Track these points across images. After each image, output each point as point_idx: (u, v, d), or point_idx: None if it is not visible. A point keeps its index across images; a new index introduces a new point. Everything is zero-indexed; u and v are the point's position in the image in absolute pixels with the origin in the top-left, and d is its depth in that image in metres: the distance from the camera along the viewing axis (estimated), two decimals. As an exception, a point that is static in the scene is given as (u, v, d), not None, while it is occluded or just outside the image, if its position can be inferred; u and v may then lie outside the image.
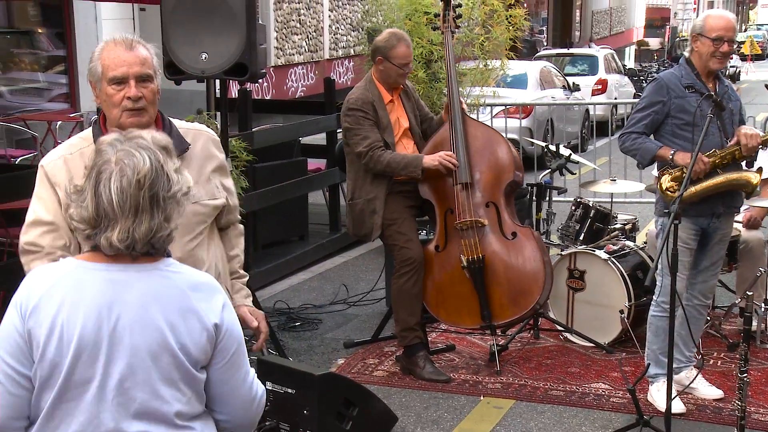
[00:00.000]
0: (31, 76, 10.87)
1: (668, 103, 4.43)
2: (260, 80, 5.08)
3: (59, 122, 9.67)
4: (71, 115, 10.03)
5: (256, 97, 11.45)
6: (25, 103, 10.52)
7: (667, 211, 4.09)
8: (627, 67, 22.48)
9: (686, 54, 4.59)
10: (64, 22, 10.72)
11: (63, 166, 2.63)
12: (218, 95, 5.28)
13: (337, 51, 16.34)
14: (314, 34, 15.57)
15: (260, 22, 4.70)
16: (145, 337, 1.98)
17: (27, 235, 2.64)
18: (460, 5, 5.68)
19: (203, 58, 4.56)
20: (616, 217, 6.03)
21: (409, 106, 5.16)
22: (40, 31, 11.12)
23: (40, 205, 2.64)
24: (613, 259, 5.43)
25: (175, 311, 2.01)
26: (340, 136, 6.36)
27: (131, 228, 1.96)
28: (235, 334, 2.09)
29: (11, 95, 10.51)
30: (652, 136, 4.53)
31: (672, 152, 4.38)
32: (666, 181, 4.43)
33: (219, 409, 2.12)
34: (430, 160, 4.94)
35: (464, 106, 5.18)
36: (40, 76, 10.92)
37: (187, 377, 2.02)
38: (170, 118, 2.76)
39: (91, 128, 2.70)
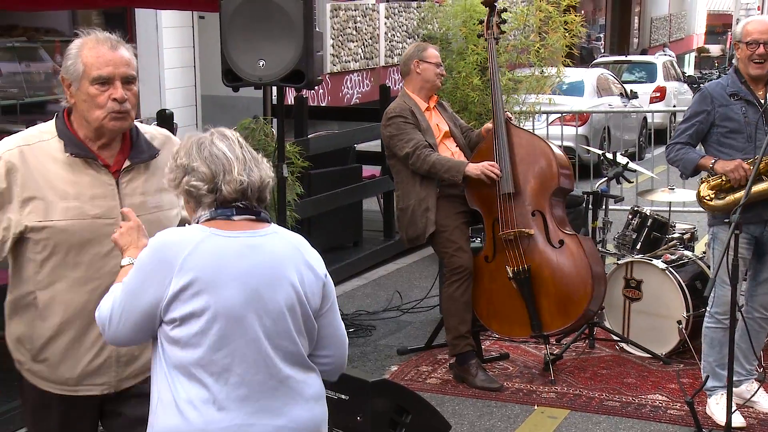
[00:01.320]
0: (93, 83, 11.09)
1: (712, 112, 4.42)
2: (316, 87, 5.12)
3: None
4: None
5: (311, 104, 11.53)
6: (87, 109, 10.74)
7: (726, 220, 4.03)
8: (687, 75, 22.13)
9: (734, 62, 4.57)
10: (126, 30, 10.93)
11: (19, 156, 2.51)
12: (275, 102, 5.33)
13: (392, 58, 16.38)
14: (370, 41, 15.64)
15: (317, 29, 4.74)
16: (283, 293, 2.23)
17: None
18: (505, 10, 5.66)
19: (261, 65, 4.61)
20: (674, 227, 5.94)
21: (446, 115, 5.22)
22: (102, 39, 11.35)
23: None
24: (671, 269, 5.35)
25: (299, 267, 2.28)
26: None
27: (245, 172, 2.23)
28: (332, 284, 2.39)
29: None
30: (700, 146, 4.52)
31: (713, 161, 4.37)
32: (704, 189, 4.41)
33: (325, 352, 2.38)
34: (473, 168, 4.94)
35: (508, 115, 5.17)
36: (102, 83, 11.15)
37: (309, 325, 2.30)
38: (137, 124, 2.70)
39: (53, 121, 2.60)
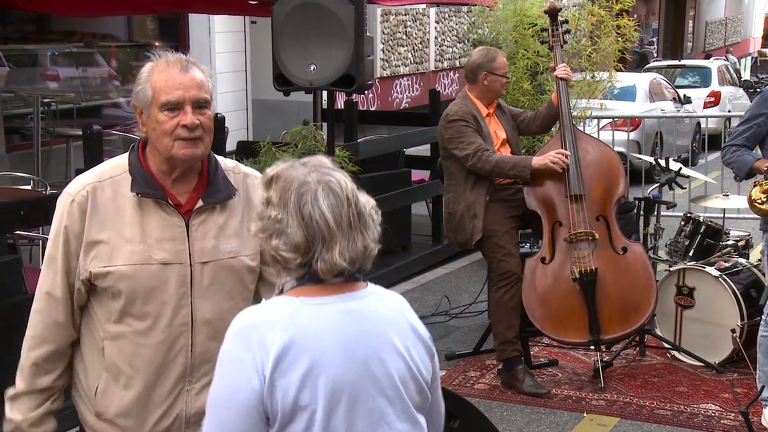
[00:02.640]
0: (147, 87, 11.28)
1: None
2: (366, 91, 5.15)
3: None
4: (184, 125, 10.36)
5: (361, 108, 11.59)
6: (142, 114, 10.93)
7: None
8: (743, 79, 21.74)
9: None
10: (180, 35, 11.10)
11: (91, 197, 2.31)
12: (325, 106, 5.37)
13: (442, 63, 16.37)
14: (420, 45, 15.65)
15: (367, 34, 4.77)
16: (394, 365, 1.85)
17: (45, 285, 2.37)
18: (566, 21, 5.64)
19: (312, 69, 4.65)
20: (729, 233, 5.84)
21: (504, 120, 5.19)
22: (157, 44, 11.54)
23: (55, 243, 2.35)
24: (725, 276, 5.26)
25: (406, 333, 1.91)
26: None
27: (348, 246, 1.82)
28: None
29: (129, 106, 10.92)
30: (757, 149, 4.45)
31: None
32: (755, 192, 4.34)
33: (428, 428, 1.97)
34: (539, 160, 4.93)
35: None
36: (155, 88, 11.33)
37: (424, 399, 1.92)
38: (216, 156, 2.41)
39: (126, 155, 2.36)
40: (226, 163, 2.45)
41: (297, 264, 1.83)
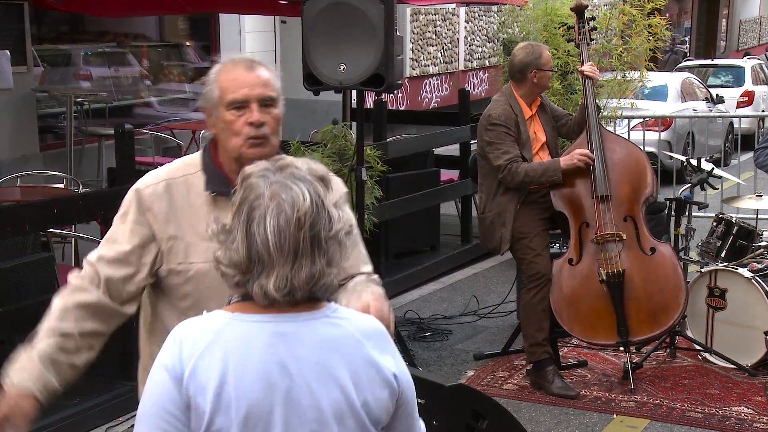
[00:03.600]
0: (178, 87, 11.38)
1: None
2: (395, 91, 5.15)
3: (203, 131, 10.07)
4: (214, 125, 10.43)
5: (390, 108, 11.59)
6: (173, 113, 11.02)
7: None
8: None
9: None
10: (211, 35, 11.18)
11: (164, 193, 2.31)
12: (354, 105, 5.37)
13: (472, 62, 16.33)
14: (449, 45, 15.63)
15: (397, 33, 4.77)
16: (327, 397, 1.69)
17: (94, 255, 2.38)
18: (593, 18, 5.59)
19: (341, 69, 4.66)
20: (762, 235, 5.77)
21: (545, 120, 5.14)
22: (188, 44, 11.63)
23: (122, 230, 2.33)
24: (757, 278, 5.20)
25: (356, 365, 1.72)
26: (473, 147, 6.36)
27: (289, 275, 1.66)
28: (411, 383, 1.83)
29: (160, 106, 11.04)
30: None
31: None
32: None
33: None
34: (566, 161, 4.90)
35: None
36: (186, 87, 11.42)
37: None
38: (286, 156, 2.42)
39: (198, 154, 2.37)
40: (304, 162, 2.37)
41: (234, 282, 1.71)
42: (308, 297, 1.70)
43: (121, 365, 4.90)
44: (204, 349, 1.66)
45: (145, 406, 1.69)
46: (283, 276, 1.65)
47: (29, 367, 2.28)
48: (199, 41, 11.52)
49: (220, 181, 2.28)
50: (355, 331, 1.74)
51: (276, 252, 1.65)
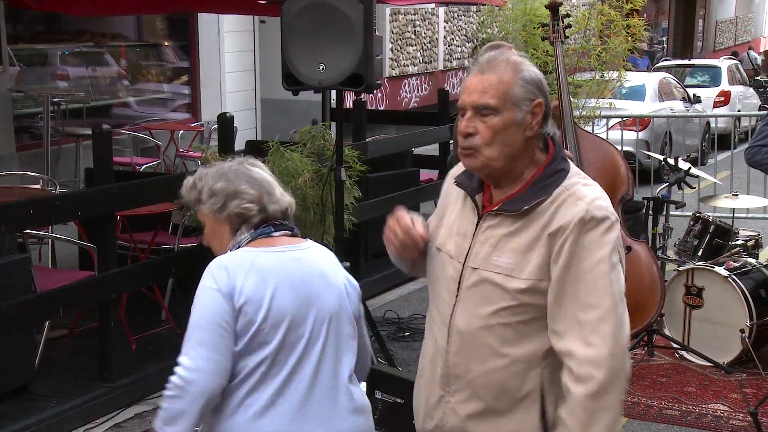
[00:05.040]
0: (156, 87, 11.32)
1: None
2: (375, 91, 5.15)
3: (181, 131, 10.03)
4: (193, 125, 10.39)
5: (370, 108, 11.60)
6: (151, 113, 10.97)
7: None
8: (753, 78, 21.65)
9: None
10: (189, 34, 11.13)
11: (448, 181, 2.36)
12: (334, 105, 5.36)
13: (451, 62, 16.36)
14: (429, 45, 15.64)
15: (377, 33, 4.77)
16: (333, 300, 2.40)
17: None
18: (568, 15, 5.60)
19: (321, 69, 4.65)
20: (738, 233, 5.82)
21: None
22: (166, 43, 11.57)
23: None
24: (734, 276, 5.24)
25: (339, 276, 2.46)
26: (452, 147, 6.35)
27: (283, 192, 2.45)
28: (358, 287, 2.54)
29: (138, 106, 10.97)
30: None
31: None
32: None
33: (358, 356, 2.50)
34: None
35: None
36: (165, 87, 11.36)
37: (353, 329, 2.47)
38: (562, 174, 2.12)
39: None
40: (579, 190, 2.09)
41: (256, 210, 2.38)
42: (294, 233, 2.45)
43: (98, 367, 4.87)
44: (246, 274, 2.30)
45: (201, 319, 2.28)
46: (283, 192, 2.46)
47: None
48: (178, 41, 11.46)
49: (469, 177, 2.24)
50: (331, 255, 2.50)
51: (271, 180, 2.47)
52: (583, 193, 2.09)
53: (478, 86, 2.11)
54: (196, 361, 2.25)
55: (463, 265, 2.17)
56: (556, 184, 2.10)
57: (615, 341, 2.04)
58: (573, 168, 2.16)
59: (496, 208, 2.13)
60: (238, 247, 2.38)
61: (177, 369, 2.29)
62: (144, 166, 8.58)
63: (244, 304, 2.28)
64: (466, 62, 15.94)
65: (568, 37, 5.42)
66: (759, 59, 25.12)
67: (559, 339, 2.04)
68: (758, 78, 21.38)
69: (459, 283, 2.17)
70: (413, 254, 2.30)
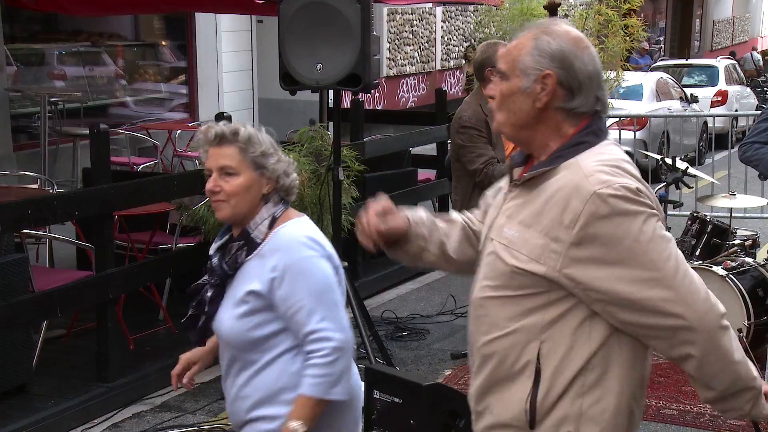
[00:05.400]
0: (154, 86, 11.31)
1: None
2: (372, 91, 5.15)
3: (179, 131, 10.02)
4: (190, 125, 10.38)
5: (367, 107, 11.60)
6: (148, 112, 10.95)
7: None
8: (750, 78, 21.69)
9: None
10: (186, 34, 11.11)
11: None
12: (331, 105, 5.36)
13: (448, 62, 16.37)
14: (426, 45, 15.65)
15: (374, 33, 4.77)
16: None
17: None
18: (567, 16, 5.61)
19: (318, 68, 4.65)
20: (735, 233, 5.83)
21: None
22: (163, 43, 11.56)
23: None
24: (731, 276, 5.25)
25: None
26: (449, 147, 6.36)
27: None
28: None
29: (136, 105, 10.96)
30: None
31: None
32: None
33: None
34: None
35: None
36: (162, 87, 11.35)
37: None
38: (590, 144, 2.03)
39: None
40: (584, 163, 1.98)
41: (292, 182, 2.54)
42: None
43: (96, 367, 4.87)
44: (324, 239, 2.54)
45: (325, 285, 2.48)
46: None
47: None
48: (175, 41, 11.45)
49: (520, 153, 2.19)
50: None
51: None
52: (587, 166, 1.97)
53: (502, 51, 2.11)
54: (339, 321, 2.43)
55: (485, 236, 2.16)
56: (569, 156, 2.01)
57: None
58: (603, 146, 2.03)
59: (523, 178, 2.07)
60: (273, 215, 2.48)
61: (324, 334, 2.40)
62: (141, 166, 8.56)
63: (337, 267, 2.51)
64: (464, 62, 15.95)
65: None
66: (761, 60, 25.26)
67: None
68: (758, 78, 21.47)
69: (481, 253, 2.17)
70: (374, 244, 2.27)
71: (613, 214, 1.92)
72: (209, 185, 2.46)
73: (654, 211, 1.98)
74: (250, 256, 2.47)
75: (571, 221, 1.93)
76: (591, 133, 2.04)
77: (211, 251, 2.55)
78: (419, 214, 2.32)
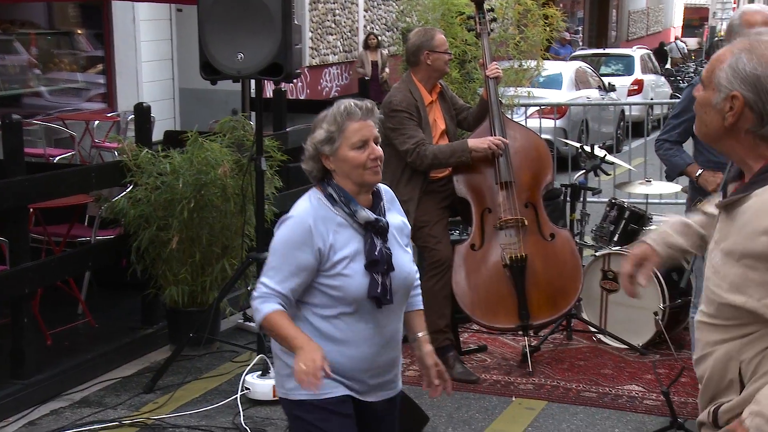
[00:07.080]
0: (69, 76, 11.02)
1: None
2: (295, 80, 5.12)
3: (96, 122, 9.79)
4: (108, 115, 10.16)
5: (290, 97, 11.51)
6: (64, 103, 10.67)
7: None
8: (665, 68, 22.28)
9: None
10: (103, 23, 10.86)
11: None
12: (253, 95, 5.31)
13: (371, 51, 16.34)
14: (349, 34, 15.61)
15: (296, 22, 4.73)
16: None
17: None
18: (492, 9, 5.68)
19: (239, 58, 4.60)
20: (651, 219, 5.98)
21: (445, 108, 5.18)
22: (79, 32, 11.27)
23: None
24: (647, 261, 5.38)
25: None
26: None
27: None
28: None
29: (51, 95, 10.67)
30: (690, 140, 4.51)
31: (698, 172, 4.28)
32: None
33: None
34: (478, 143, 4.96)
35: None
36: (78, 77, 11.07)
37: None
38: None
39: None
40: None
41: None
42: None
43: (11, 364, 4.74)
44: None
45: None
46: None
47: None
48: (91, 29, 11.17)
49: None
50: None
51: None
52: None
53: (714, 57, 2.03)
54: None
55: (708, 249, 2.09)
56: (763, 183, 1.92)
57: None
58: None
59: (723, 198, 2.00)
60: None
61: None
62: (58, 158, 8.35)
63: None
64: (387, 51, 15.96)
65: (494, 30, 5.50)
66: (686, 48, 26.18)
67: None
68: (683, 66, 22.21)
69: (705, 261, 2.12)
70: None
71: None
72: (375, 153, 2.66)
73: None
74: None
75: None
76: None
77: (371, 217, 2.70)
78: (670, 239, 2.40)
